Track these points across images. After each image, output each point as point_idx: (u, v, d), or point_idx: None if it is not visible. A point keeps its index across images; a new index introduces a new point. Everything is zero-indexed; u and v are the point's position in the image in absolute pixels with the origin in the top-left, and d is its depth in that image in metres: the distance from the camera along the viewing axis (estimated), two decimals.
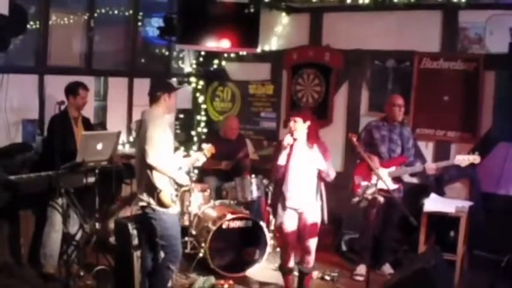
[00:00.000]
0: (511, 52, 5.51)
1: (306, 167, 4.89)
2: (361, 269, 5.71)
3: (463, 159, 5.46)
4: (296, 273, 5.26)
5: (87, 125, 5.59)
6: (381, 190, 4.93)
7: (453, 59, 6.36)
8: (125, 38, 7.39)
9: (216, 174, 6.55)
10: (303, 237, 4.98)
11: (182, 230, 4.86)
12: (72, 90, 5.37)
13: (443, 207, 5.63)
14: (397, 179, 5.66)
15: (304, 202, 4.92)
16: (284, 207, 4.93)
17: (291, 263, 5.10)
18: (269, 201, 6.15)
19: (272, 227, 6.11)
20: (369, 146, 5.69)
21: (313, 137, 4.91)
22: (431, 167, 5.62)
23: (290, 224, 4.95)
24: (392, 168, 5.62)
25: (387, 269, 5.83)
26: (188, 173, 4.77)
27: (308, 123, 4.85)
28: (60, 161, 4.86)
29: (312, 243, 4.99)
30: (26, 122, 5.78)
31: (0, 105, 5.51)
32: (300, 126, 4.83)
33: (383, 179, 4.81)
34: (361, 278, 5.60)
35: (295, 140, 4.84)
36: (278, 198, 4.99)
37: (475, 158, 5.43)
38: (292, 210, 4.93)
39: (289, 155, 4.87)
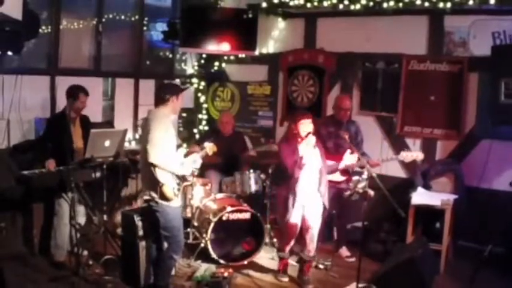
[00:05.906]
0: (493, 55, 5.49)
1: (314, 164, 4.96)
2: (343, 250, 5.97)
3: (407, 155, 5.39)
4: (293, 262, 5.32)
5: (85, 123, 5.38)
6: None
7: (439, 61, 6.35)
8: (131, 41, 7.39)
9: (217, 168, 6.53)
10: (308, 227, 5.04)
11: (184, 222, 4.85)
12: (72, 93, 5.17)
13: (429, 200, 5.63)
14: (344, 172, 5.65)
15: (309, 196, 4.98)
16: (294, 202, 4.95)
17: (287, 250, 5.24)
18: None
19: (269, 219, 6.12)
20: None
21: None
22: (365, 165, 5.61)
23: (296, 217, 5.00)
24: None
25: (344, 251, 5.97)
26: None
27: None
28: (56, 159, 4.88)
29: (315, 232, 5.07)
30: (38, 120, 5.77)
31: (14, 104, 5.51)
32: (312, 127, 4.93)
33: (373, 174, 4.82)
34: (352, 259, 5.78)
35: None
36: (289, 193, 4.96)
37: (418, 155, 5.37)
38: (299, 205, 4.98)
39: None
